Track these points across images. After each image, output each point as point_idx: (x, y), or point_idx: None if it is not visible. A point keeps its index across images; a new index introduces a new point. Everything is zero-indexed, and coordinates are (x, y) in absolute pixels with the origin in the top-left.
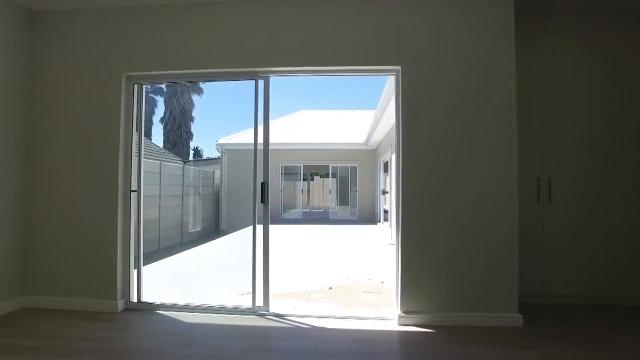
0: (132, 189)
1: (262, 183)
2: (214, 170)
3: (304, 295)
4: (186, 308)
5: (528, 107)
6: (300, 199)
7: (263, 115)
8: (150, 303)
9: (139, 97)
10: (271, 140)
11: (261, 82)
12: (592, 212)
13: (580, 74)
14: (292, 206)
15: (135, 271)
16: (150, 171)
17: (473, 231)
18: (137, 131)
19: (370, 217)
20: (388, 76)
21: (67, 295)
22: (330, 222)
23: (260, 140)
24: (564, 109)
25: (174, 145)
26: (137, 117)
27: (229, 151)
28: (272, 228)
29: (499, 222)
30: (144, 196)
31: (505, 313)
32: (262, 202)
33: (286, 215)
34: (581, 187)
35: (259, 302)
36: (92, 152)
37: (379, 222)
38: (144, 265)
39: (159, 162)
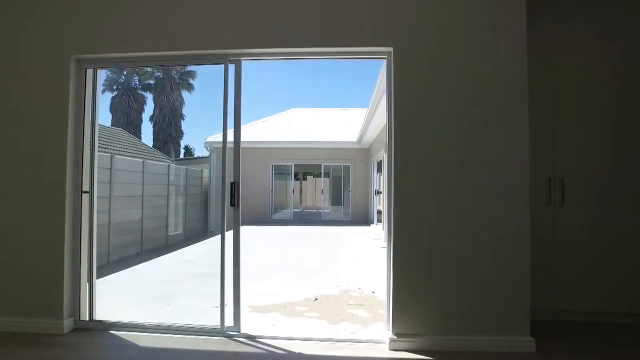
0: (84, 189)
1: (231, 183)
2: (202, 170)
3: (286, 309)
4: (145, 327)
5: (538, 99)
6: (292, 199)
7: (234, 105)
8: (103, 322)
9: (94, 84)
10: (262, 138)
11: (231, 67)
12: (611, 216)
13: (597, 63)
14: (284, 206)
15: (87, 285)
16: (133, 170)
17: (477, 241)
18: (91, 123)
19: (363, 218)
20: (380, 69)
21: (1, 314)
22: (322, 223)
23: (231, 137)
24: (578, 101)
25: (164, 144)
26: (91, 107)
27: (217, 150)
28: (261, 229)
29: (507, 231)
30: (127, 196)
31: (515, 336)
32: (232, 205)
33: (277, 216)
34: (599, 189)
35: (229, 321)
36: (35, 147)
37: (373, 223)
38: (120, 271)
39: (141, 160)
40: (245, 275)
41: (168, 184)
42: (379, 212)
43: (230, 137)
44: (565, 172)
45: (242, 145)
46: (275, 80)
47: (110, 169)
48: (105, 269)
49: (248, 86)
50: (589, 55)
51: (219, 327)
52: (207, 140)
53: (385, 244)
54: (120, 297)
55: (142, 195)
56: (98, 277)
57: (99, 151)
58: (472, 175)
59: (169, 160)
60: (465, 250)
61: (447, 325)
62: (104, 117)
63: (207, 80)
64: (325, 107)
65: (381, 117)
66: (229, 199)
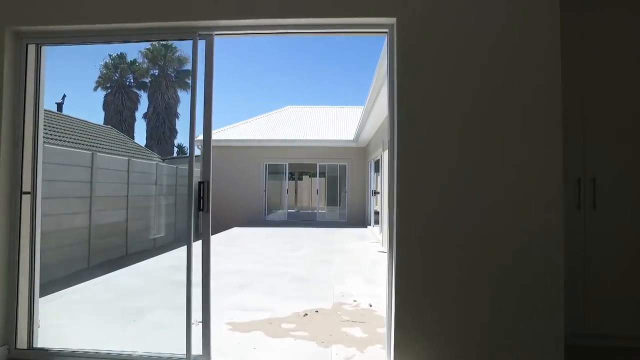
0: (24, 190)
1: (200, 183)
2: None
3: (271, 326)
4: (95, 357)
5: (564, 86)
6: (286, 199)
7: (204, 90)
8: (46, 350)
9: (38, 63)
10: (255, 136)
11: (202, 43)
12: None
13: (633, 47)
14: (279, 207)
15: (27, 304)
16: (117, 169)
17: (500, 252)
18: (33, 110)
19: (360, 219)
20: (379, 57)
21: None
22: (317, 225)
23: (200, 131)
24: (612, 87)
25: (158, 143)
26: (35, 91)
27: None
28: (253, 231)
29: (536, 240)
30: (111, 197)
31: None
32: (200, 209)
33: (270, 217)
34: (636, 190)
35: (197, 349)
36: None
37: (369, 224)
38: (95, 278)
39: (127, 158)
40: (229, 284)
41: (156, 184)
42: (376, 213)
43: (200, 131)
44: (597, 171)
45: (234, 144)
46: (270, 76)
47: (92, 167)
48: (82, 275)
49: (240, 82)
50: (624, 39)
51: (184, 356)
52: (198, 138)
53: (386, 251)
54: (85, 311)
55: (128, 196)
56: (71, 285)
57: (82, 148)
58: (492, 174)
59: (158, 159)
60: (485, 263)
61: (463, 354)
62: (97, 115)
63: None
64: (321, 105)
65: (380, 112)
66: (196, 201)
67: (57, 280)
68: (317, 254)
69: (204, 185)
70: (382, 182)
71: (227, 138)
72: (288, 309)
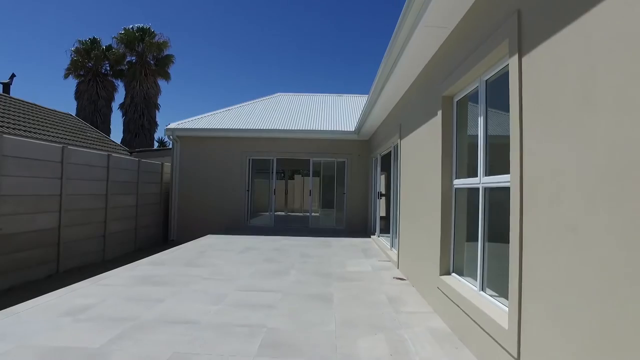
0: None
1: None
2: (162, 163)
3: None
4: None
5: None
6: (273, 201)
7: None
8: None
9: None
10: (238, 126)
11: None
12: None
13: None
14: (267, 209)
15: None
16: (44, 159)
17: None
18: None
19: (361, 226)
20: None
21: None
22: (309, 232)
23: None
24: None
25: (136, 136)
26: None
27: (182, 139)
28: (229, 241)
29: None
30: (33, 196)
31: None
32: None
33: (255, 221)
34: None
35: None
36: None
37: (374, 233)
38: None
39: (60, 146)
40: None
41: (107, 180)
42: (382, 218)
43: None
44: None
45: (211, 134)
46: (260, 63)
47: None
48: None
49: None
50: None
51: None
52: (169, 127)
53: (405, 277)
54: None
55: (61, 195)
56: None
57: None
58: None
59: (125, 152)
60: None
61: None
62: (69, 105)
63: (187, 68)
64: (317, 93)
65: (396, 86)
66: None
67: None
68: (307, 283)
69: None
70: (395, 180)
71: (202, 127)
72: None
